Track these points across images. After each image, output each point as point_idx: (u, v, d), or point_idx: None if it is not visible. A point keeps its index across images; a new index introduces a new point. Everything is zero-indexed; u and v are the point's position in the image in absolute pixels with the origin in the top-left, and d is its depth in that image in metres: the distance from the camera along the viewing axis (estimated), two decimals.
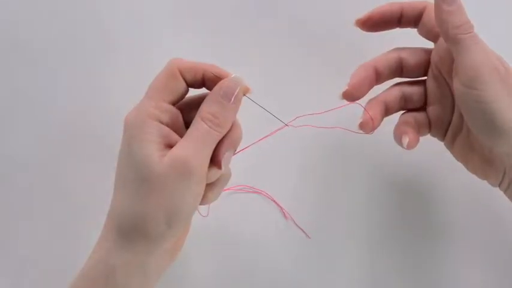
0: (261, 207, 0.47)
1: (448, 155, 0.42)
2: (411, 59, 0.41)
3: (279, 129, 0.38)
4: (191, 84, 0.36)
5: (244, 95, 0.36)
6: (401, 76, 0.42)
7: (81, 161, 0.48)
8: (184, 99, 0.37)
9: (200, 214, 0.41)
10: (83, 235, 0.43)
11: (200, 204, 0.36)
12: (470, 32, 0.36)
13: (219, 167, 0.35)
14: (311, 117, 0.41)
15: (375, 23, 0.41)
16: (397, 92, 0.42)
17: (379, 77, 0.41)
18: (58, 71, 0.50)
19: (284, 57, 0.51)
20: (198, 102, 0.36)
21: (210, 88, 0.36)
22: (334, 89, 0.40)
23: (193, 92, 0.38)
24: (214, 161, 0.35)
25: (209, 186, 0.36)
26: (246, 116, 0.37)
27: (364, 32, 0.42)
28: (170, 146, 0.34)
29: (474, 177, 0.41)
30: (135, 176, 0.33)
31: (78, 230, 0.45)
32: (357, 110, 0.41)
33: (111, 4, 0.52)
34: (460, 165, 0.41)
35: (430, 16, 0.39)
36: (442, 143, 0.42)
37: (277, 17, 0.52)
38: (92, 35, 0.51)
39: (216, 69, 0.36)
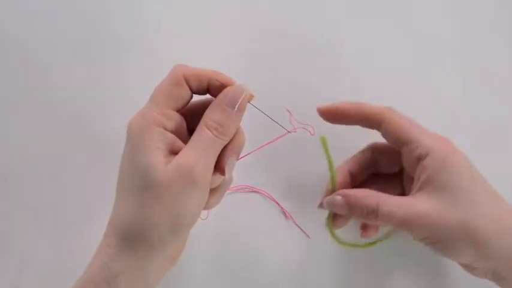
0: (261, 207, 0.47)
1: None
2: (385, 159, 0.42)
3: (282, 136, 0.38)
4: (196, 91, 0.36)
5: (248, 102, 0.35)
6: (378, 170, 0.43)
7: (82, 161, 0.48)
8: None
9: (200, 217, 0.41)
10: (83, 236, 0.44)
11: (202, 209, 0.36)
12: None
13: (223, 174, 0.35)
14: (312, 120, 0.41)
15: (333, 119, 0.41)
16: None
17: (354, 178, 0.42)
18: (60, 72, 0.50)
19: (288, 62, 0.51)
20: (201, 108, 0.36)
21: (214, 95, 0.36)
22: (336, 94, 0.40)
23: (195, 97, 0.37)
24: (218, 167, 0.35)
25: (211, 191, 0.36)
26: (247, 119, 0.37)
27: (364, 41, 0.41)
28: (174, 152, 0.33)
29: None
30: (139, 183, 0.32)
31: (78, 231, 0.46)
32: None
33: (118, 5, 0.52)
34: None
35: (389, 128, 0.39)
36: None
37: (283, 22, 0.52)
38: (95, 36, 0.51)
39: (221, 77, 0.35)
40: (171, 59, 0.38)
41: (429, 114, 0.48)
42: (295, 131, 0.38)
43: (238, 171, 0.41)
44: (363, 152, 0.43)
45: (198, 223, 0.41)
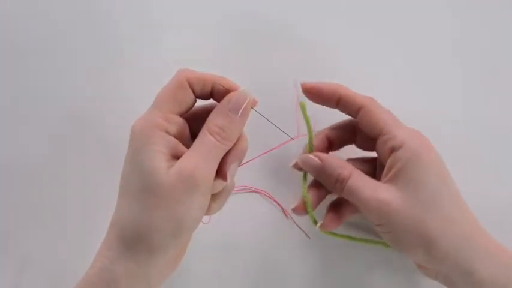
0: (261, 207, 0.47)
1: (454, 161, 0.42)
2: (364, 137, 0.41)
3: (285, 142, 0.38)
4: (199, 96, 0.36)
5: (252, 107, 0.35)
6: (355, 144, 0.43)
7: (83, 162, 0.47)
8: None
9: (202, 221, 0.41)
10: (83, 236, 0.44)
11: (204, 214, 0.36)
12: None
13: (225, 179, 0.35)
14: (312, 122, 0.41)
15: (316, 97, 0.40)
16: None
17: (331, 146, 0.42)
18: (62, 72, 0.50)
19: (290, 63, 0.50)
20: (204, 112, 0.36)
21: (218, 100, 0.35)
22: None
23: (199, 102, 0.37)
24: (220, 173, 0.35)
25: (213, 196, 0.36)
26: (249, 124, 0.37)
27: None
28: (177, 157, 0.33)
29: (474, 185, 0.41)
30: (142, 187, 0.32)
31: (78, 232, 0.46)
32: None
33: (118, 5, 0.52)
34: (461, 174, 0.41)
35: (366, 115, 0.38)
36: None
37: (283, 30, 0.52)
38: (99, 37, 0.51)
39: (225, 81, 0.35)
40: (172, 59, 0.38)
41: (429, 116, 0.48)
42: (298, 137, 0.38)
43: (239, 172, 0.41)
44: (345, 122, 0.43)
45: (199, 226, 0.41)
